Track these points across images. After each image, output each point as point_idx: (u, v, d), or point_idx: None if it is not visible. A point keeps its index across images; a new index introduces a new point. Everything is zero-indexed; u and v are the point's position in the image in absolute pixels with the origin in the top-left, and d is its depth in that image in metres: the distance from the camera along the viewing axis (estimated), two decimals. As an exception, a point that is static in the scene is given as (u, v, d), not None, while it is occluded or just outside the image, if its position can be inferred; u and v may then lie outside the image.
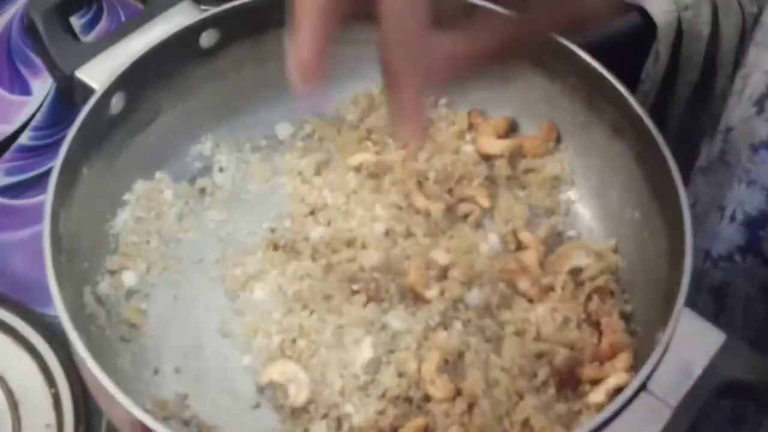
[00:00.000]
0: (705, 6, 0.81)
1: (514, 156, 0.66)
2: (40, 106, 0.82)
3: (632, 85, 0.74)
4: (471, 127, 0.67)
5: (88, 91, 0.60)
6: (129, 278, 0.61)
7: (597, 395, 0.55)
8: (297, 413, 0.56)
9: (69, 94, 0.63)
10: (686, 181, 0.57)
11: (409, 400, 0.56)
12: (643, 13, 0.82)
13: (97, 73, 0.61)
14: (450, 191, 0.65)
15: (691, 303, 0.51)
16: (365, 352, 0.56)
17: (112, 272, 0.61)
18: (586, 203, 0.66)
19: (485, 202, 0.64)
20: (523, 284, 0.60)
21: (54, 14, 0.63)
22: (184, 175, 0.66)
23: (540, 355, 0.57)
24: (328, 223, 0.63)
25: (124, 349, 0.59)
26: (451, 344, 0.57)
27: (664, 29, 0.80)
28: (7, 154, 0.79)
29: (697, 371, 0.51)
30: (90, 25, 0.87)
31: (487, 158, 0.66)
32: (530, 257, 0.62)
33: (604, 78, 0.61)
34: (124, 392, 0.49)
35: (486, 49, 0.43)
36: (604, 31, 0.73)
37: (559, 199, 0.66)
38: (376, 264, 0.60)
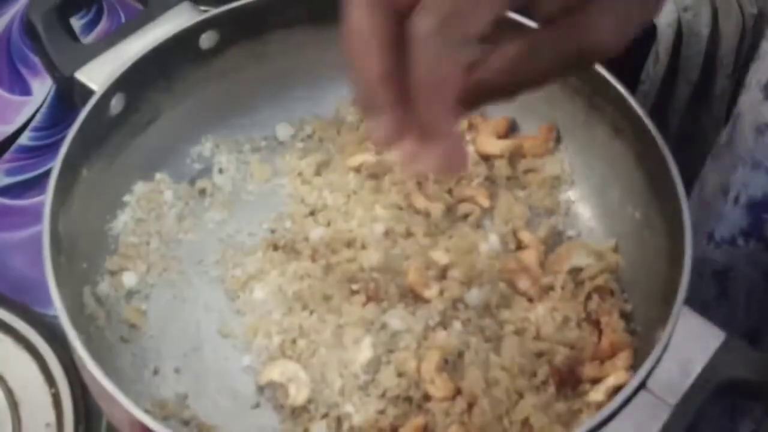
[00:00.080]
0: (705, 7, 0.81)
1: (514, 156, 0.66)
2: (40, 106, 0.82)
3: (632, 86, 0.74)
4: (471, 127, 0.67)
5: (88, 92, 0.60)
6: (129, 279, 0.61)
7: (597, 394, 0.55)
8: (297, 413, 0.56)
9: (69, 95, 0.63)
10: (687, 181, 0.56)
11: (408, 399, 0.56)
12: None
13: (97, 75, 0.61)
14: (450, 191, 0.65)
15: (692, 288, 0.51)
16: (365, 351, 0.56)
17: (112, 273, 0.61)
18: (586, 203, 0.66)
19: (485, 202, 0.64)
20: (523, 284, 0.60)
21: (54, 15, 0.63)
22: (184, 176, 0.66)
23: (540, 355, 0.57)
24: (328, 224, 0.64)
25: (124, 350, 0.59)
26: (450, 344, 0.57)
27: (663, 30, 0.80)
28: (7, 155, 0.79)
29: (697, 370, 0.51)
30: (90, 27, 0.87)
31: (486, 158, 0.66)
32: (530, 257, 0.62)
33: (604, 78, 0.61)
34: (123, 392, 0.49)
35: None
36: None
37: (559, 198, 0.66)
38: (376, 264, 0.60)
